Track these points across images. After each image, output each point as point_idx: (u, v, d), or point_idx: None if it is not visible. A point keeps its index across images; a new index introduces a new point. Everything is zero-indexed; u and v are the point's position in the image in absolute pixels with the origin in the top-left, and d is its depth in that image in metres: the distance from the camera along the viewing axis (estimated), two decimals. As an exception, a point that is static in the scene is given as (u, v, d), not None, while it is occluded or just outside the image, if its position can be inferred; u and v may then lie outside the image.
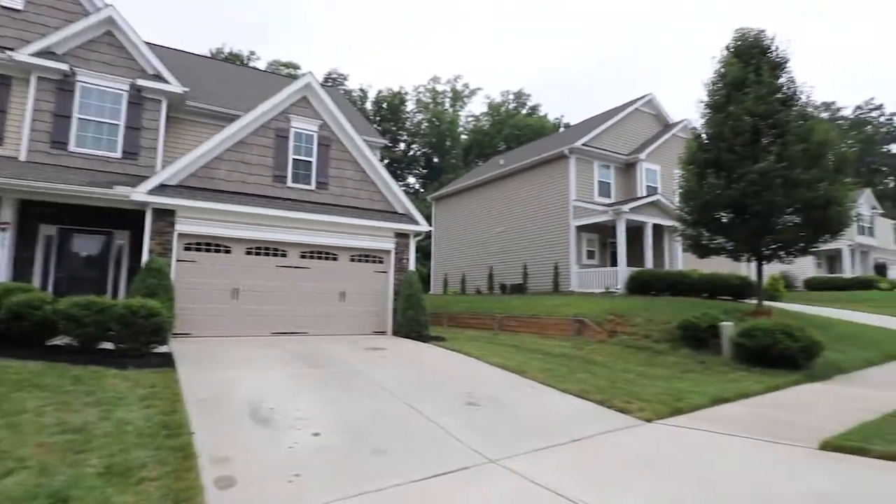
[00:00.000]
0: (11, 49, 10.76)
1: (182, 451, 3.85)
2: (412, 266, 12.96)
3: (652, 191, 20.67)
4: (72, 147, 11.16)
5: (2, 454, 3.46)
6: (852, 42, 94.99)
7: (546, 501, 3.47)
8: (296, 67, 49.16)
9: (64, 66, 11.05)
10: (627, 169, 21.59)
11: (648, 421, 5.55)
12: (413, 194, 52.15)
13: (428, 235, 26.82)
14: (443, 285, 26.82)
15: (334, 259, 11.94)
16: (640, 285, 15.97)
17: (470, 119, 62.29)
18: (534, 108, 62.50)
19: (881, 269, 34.15)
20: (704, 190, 12.17)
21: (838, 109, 67.15)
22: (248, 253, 10.91)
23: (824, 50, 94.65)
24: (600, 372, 8.19)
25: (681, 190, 13.35)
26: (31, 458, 3.43)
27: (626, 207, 17.99)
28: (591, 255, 20.71)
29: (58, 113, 11.08)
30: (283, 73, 42.15)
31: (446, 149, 56.38)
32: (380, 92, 57.01)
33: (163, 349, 7.59)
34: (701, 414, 5.91)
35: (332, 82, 52.52)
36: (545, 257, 20.62)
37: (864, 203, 33.48)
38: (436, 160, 56.77)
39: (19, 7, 11.43)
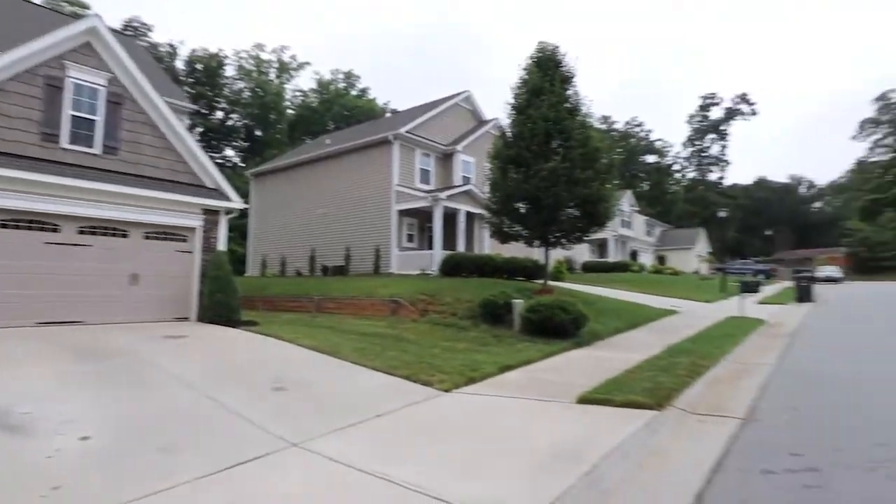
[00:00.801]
0: None
1: None
2: (223, 246, 11.91)
3: (467, 181, 22.18)
4: None
5: None
6: (624, 66, 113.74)
7: (338, 475, 3.55)
8: (84, 7, 40.69)
9: None
10: (446, 159, 22.78)
11: (447, 391, 6.03)
12: (231, 168, 47.75)
13: (244, 213, 24.87)
14: (261, 267, 25.16)
15: (124, 236, 10.35)
16: (453, 267, 17.10)
17: (297, 94, 59.06)
18: (364, 91, 61.83)
19: (635, 255, 42.07)
20: (507, 183, 13.51)
21: (613, 123, 79.84)
22: (4, 226, 8.84)
23: (606, 71, 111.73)
24: (410, 349, 8.60)
25: (489, 182, 14.60)
26: None
27: (443, 195, 19.01)
28: (410, 238, 21.49)
29: None
30: (67, 10, 34.55)
31: (271, 122, 52.68)
32: (193, 51, 50.50)
33: None
34: (491, 381, 6.61)
35: (133, 31, 44.85)
36: (368, 240, 20.75)
37: (626, 202, 40.70)
38: (259, 133, 52.66)
39: None
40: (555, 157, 12.93)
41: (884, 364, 8.04)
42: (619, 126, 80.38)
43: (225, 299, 10.78)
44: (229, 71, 52.79)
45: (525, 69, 14.46)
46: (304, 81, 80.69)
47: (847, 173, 75.70)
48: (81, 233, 9.75)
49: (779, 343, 9.99)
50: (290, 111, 56.97)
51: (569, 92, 14.15)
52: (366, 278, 17.80)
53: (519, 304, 10.36)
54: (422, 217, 21.20)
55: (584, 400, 5.54)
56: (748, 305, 15.57)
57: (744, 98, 72.79)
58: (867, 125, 70.46)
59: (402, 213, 20.39)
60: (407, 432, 4.61)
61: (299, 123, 55.09)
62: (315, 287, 16.19)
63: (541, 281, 15.54)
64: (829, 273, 41.08)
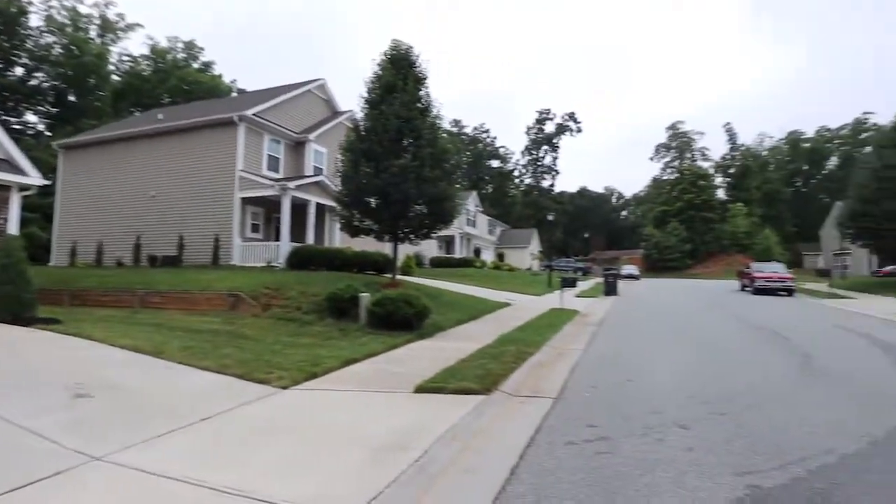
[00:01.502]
0: None
1: None
2: (15, 229, 9.84)
3: (319, 171, 21.42)
4: None
5: None
6: (478, 74, 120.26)
7: (148, 488, 3.17)
8: None
9: None
10: (297, 147, 21.71)
11: (285, 388, 5.76)
12: (33, 137, 39.68)
13: (49, 191, 20.89)
14: (70, 255, 21.22)
15: None
16: (301, 260, 16.40)
17: (125, 59, 51.15)
18: (207, 65, 55.89)
19: (478, 252, 44.89)
20: (359, 177, 13.36)
21: (463, 127, 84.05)
22: None
23: (462, 77, 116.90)
24: (248, 346, 8.05)
25: (340, 174, 14.29)
26: None
27: (292, 184, 18.10)
28: (255, 228, 20.10)
29: None
30: None
31: (89, 87, 44.74)
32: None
33: None
34: (333, 375, 6.49)
35: None
36: (206, 228, 18.84)
37: (472, 202, 43.19)
38: (72, 98, 44.41)
39: None
40: (405, 154, 13.15)
41: (665, 345, 9.73)
42: (468, 131, 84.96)
43: (15, 292, 8.91)
44: (35, 21, 43.58)
45: (379, 65, 14.43)
46: (134, 46, 70.30)
47: (645, 188, 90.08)
48: None
49: (588, 331, 11.48)
50: (115, 77, 49.12)
51: (421, 92, 14.47)
52: (202, 270, 16.16)
53: (365, 297, 10.34)
54: (269, 207, 19.93)
55: (421, 389, 5.74)
56: (567, 299, 17.59)
57: (572, 117, 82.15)
58: (660, 149, 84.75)
59: (247, 201, 18.94)
60: (235, 434, 4.29)
61: (127, 93, 47.82)
62: (139, 279, 14.23)
63: (390, 275, 15.70)
64: (629, 271, 48.39)
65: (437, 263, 33.19)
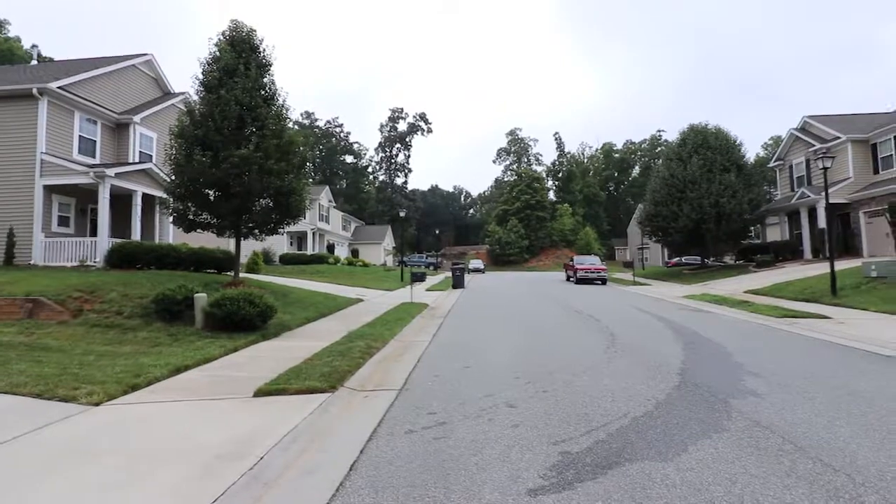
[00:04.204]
0: None
1: None
2: None
3: (146, 158, 18.83)
4: None
5: None
6: (332, 66, 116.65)
7: None
8: None
9: None
10: (119, 129, 18.79)
11: (97, 405, 4.99)
12: None
13: None
14: None
15: None
16: (125, 258, 14.28)
17: None
18: (0, 24, 45.29)
19: (332, 248, 43.76)
20: (193, 166, 12.04)
21: (316, 119, 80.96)
22: None
23: (314, 68, 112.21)
24: (51, 358, 6.80)
25: (171, 162, 12.71)
26: None
27: (112, 171, 15.63)
28: (64, 221, 16.96)
29: None
30: None
31: None
32: None
33: None
34: (160, 385, 5.79)
35: None
36: (-4, 220, 15.33)
37: (325, 197, 41.88)
38: None
39: None
40: (248, 144, 12.19)
41: (501, 332, 10.55)
42: (321, 124, 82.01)
43: None
44: None
45: (217, 46, 13.13)
46: None
47: (489, 188, 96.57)
48: None
49: (435, 323, 11.96)
50: None
51: (265, 79, 13.52)
52: (-12, 271, 13.13)
53: (202, 298, 9.39)
54: (83, 196, 16.94)
55: (262, 392, 5.43)
56: (418, 293, 18.10)
57: (423, 117, 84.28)
58: (501, 152, 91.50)
59: (53, 189, 15.87)
60: (29, 463, 3.60)
61: None
62: None
63: (232, 273, 14.48)
64: (475, 265, 51.54)
65: (288, 260, 31.54)
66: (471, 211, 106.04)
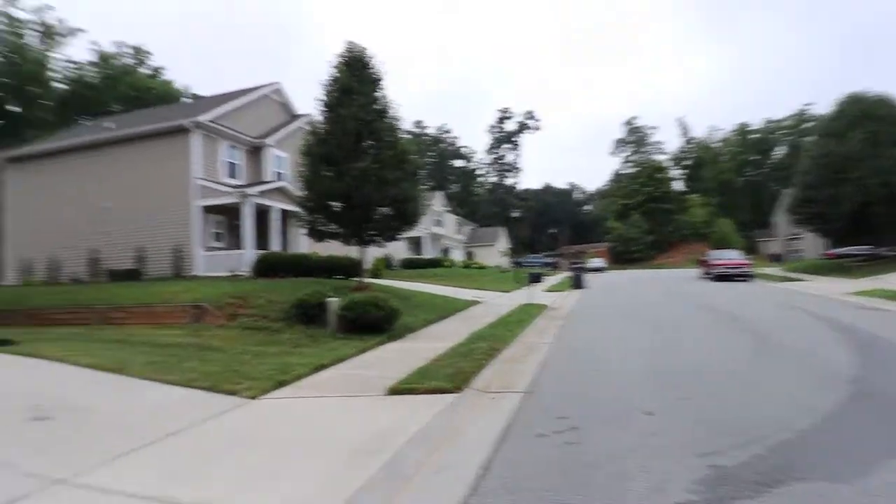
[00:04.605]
0: None
1: None
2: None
3: (279, 176, 21.07)
4: None
5: None
6: (438, 75, 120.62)
7: (119, 510, 3.10)
8: None
9: None
10: (256, 152, 21.28)
11: (254, 398, 5.67)
12: (-30, 150, 37.35)
13: (-7, 207, 19.79)
14: (21, 273, 20.14)
15: None
16: (267, 267, 16.11)
17: (70, 65, 48.80)
18: (158, 70, 54.02)
19: (447, 251, 45.02)
20: (320, 181, 13.23)
21: (425, 128, 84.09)
22: None
23: (422, 78, 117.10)
24: (215, 357, 7.87)
25: (302, 179, 14.11)
26: None
27: (253, 191, 17.75)
28: (218, 237, 19.61)
29: None
30: None
31: (30, 96, 42.54)
32: None
33: None
34: (304, 382, 6.42)
35: None
36: (165, 239, 18.23)
37: (438, 202, 43.30)
38: (15, 109, 42.15)
39: None
40: (366, 157, 13.08)
41: (630, 333, 10.02)
42: (430, 131, 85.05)
43: (-42, 316, 8.43)
44: (-34, 28, 41.16)
45: (335, 67, 14.30)
46: (78, 52, 67.26)
47: (607, 182, 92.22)
48: None
49: (557, 324, 11.72)
50: (59, 85, 46.86)
51: (378, 94, 14.41)
52: (164, 283, 15.65)
53: (334, 302, 10.24)
54: (230, 214, 19.46)
55: (393, 391, 5.75)
56: (536, 294, 17.88)
57: (531, 115, 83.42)
58: (619, 144, 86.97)
59: (207, 209, 18.44)
60: (204, 448, 4.21)
61: (74, 101, 45.62)
62: (98, 295, 13.68)
63: (358, 279, 15.59)
64: (595, 264, 49.50)
65: (406, 265, 33.12)
66: (587, 207, 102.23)
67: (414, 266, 32.45)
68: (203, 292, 12.67)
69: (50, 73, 45.58)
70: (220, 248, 19.00)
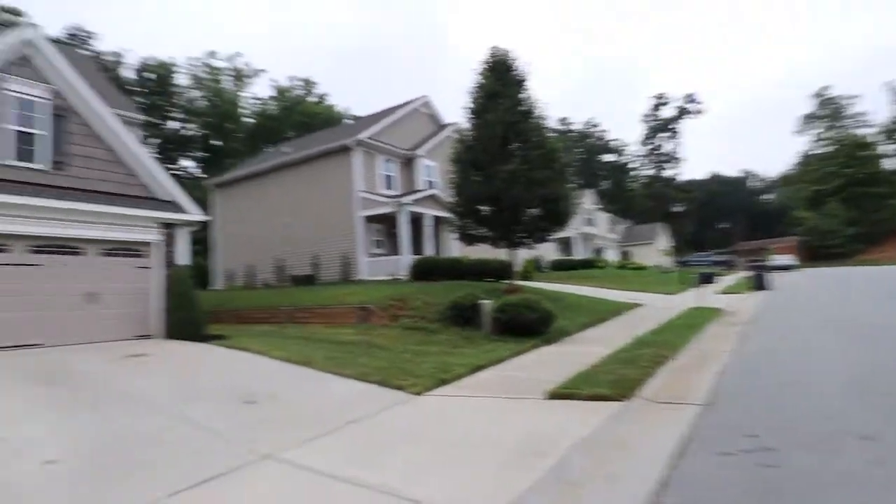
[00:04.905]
0: None
1: None
2: (186, 260, 11.61)
3: (430, 185, 22.28)
4: None
5: None
6: (580, 68, 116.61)
7: (311, 482, 3.57)
8: (17, 14, 38.79)
9: None
10: (408, 163, 22.82)
11: (419, 394, 6.07)
12: (191, 179, 46.43)
13: (206, 225, 24.27)
14: (228, 280, 24.58)
15: (78, 254, 9.98)
16: (423, 271, 17.15)
17: (255, 102, 57.94)
18: (322, 97, 61.23)
19: (600, 251, 43.08)
20: (469, 186, 13.70)
21: (571, 124, 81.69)
22: (-54, 249, 8.41)
23: (563, 73, 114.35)
24: (382, 355, 8.60)
25: (452, 185, 14.76)
26: None
27: (407, 199, 19.05)
28: (378, 244, 21.42)
29: None
30: (3, 19, 32.88)
31: (228, 131, 51.47)
32: (144, 60, 48.95)
33: None
34: (462, 382, 6.69)
35: (75, 41, 43.11)
36: (334, 247, 20.56)
37: (588, 200, 41.66)
38: (217, 143, 51.39)
39: None
40: (513, 159, 13.18)
41: (831, 344, 8.52)
42: (577, 127, 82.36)
43: (188, 315, 10.51)
44: (183, 80, 51.41)
45: (480, 74, 14.69)
46: (261, 89, 79.37)
47: (794, 166, 79.46)
48: (33, 252, 9.34)
49: (736, 330, 10.45)
50: (248, 119, 55.87)
51: (523, 95, 14.44)
52: (334, 286, 17.64)
53: (487, 304, 10.50)
54: (388, 223, 21.17)
55: (553, 395, 5.69)
56: (707, 296, 16.19)
57: (691, 98, 75.71)
58: (808, 120, 74.39)
59: (368, 219, 20.31)
60: (379, 437, 4.63)
61: (259, 132, 54.03)
62: (283, 298, 15.94)
63: (508, 281, 15.76)
64: (782, 261, 43.04)
65: (556, 266, 32.52)
66: (766, 197, 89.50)
67: (564, 268, 31.69)
68: (367, 295, 13.96)
69: (240, 110, 54.58)
70: (380, 255, 20.77)
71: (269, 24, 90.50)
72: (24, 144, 9.75)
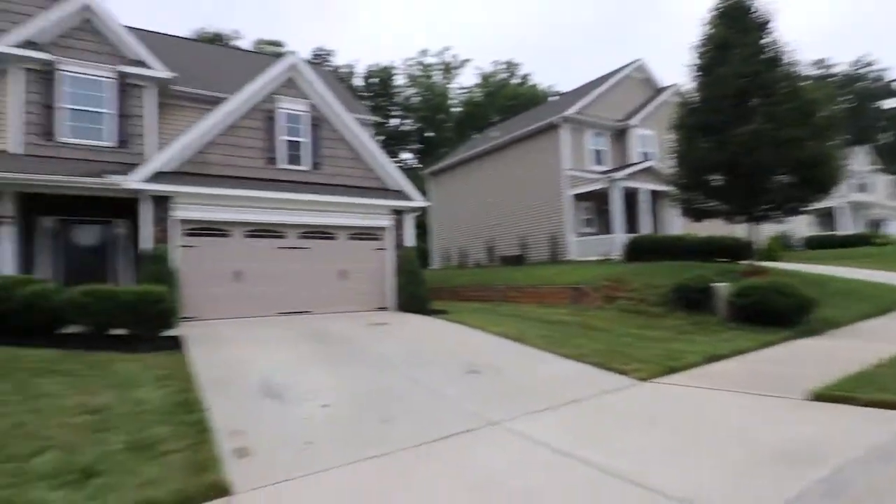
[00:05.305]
0: (-8, 40, 10.60)
1: (198, 426, 4.06)
2: (411, 242, 13.10)
3: (646, 157, 20.69)
4: (62, 138, 11.13)
5: (29, 435, 3.66)
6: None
7: (540, 454, 3.71)
8: (280, 45, 48.26)
9: (45, 56, 10.93)
10: (620, 135, 21.55)
11: (644, 380, 5.78)
12: (409, 170, 51.93)
13: (423, 211, 26.93)
14: (443, 260, 27.08)
15: (332, 238, 12.08)
16: (638, 250, 16.13)
17: (462, 91, 61.55)
18: (525, 77, 61.74)
19: (877, 224, 34.37)
20: (695, 154, 12.25)
21: (831, 66, 66.47)
22: (248, 236, 11.04)
23: (816, 8, 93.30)
24: (598, 336, 8.42)
25: (673, 155, 13.42)
26: (56, 438, 3.63)
27: (620, 175, 18.04)
28: (588, 222, 20.86)
29: (45, 104, 11.01)
30: (268, 51, 41.43)
31: (439, 122, 55.92)
32: (369, 67, 56.25)
33: (171, 332, 7.79)
34: (695, 372, 6.14)
35: (319, 59, 51.70)
36: (542, 227, 20.75)
37: (859, 160, 33.52)
38: (430, 134, 56.38)
39: (-3, -5, 11.24)
40: (755, 117, 11.28)
41: None
42: (840, 69, 66.41)
43: (416, 290, 11.87)
44: (400, 80, 57.40)
45: (708, 23, 12.88)
46: (466, 78, 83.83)
47: None
48: (301, 237, 11.67)
49: None
50: (456, 109, 59.64)
51: (765, 40, 12.19)
52: (543, 266, 17.83)
53: (722, 287, 9.35)
54: (598, 200, 20.40)
55: (818, 396, 4.82)
56: None
57: None
58: None
59: (577, 197, 19.88)
60: (603, 420, 4.56)
61: (466, 119, 57.27)
62: (494, 277, 16.77)
63: (746, 261, 13.75)
64: None
65: (813, 244, 27.18)
66: None
67: (824, 245, 26.28)
68: (578, 275, 13.74)
69: (449, 101, 58.53)
70: (590, 234, 20.19)
71: (473, 9, 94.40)
72: (292, 151, 12.13)
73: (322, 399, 5.01)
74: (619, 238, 17.50)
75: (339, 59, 56.03)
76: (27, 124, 10.84)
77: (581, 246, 19.20)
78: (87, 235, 11.68)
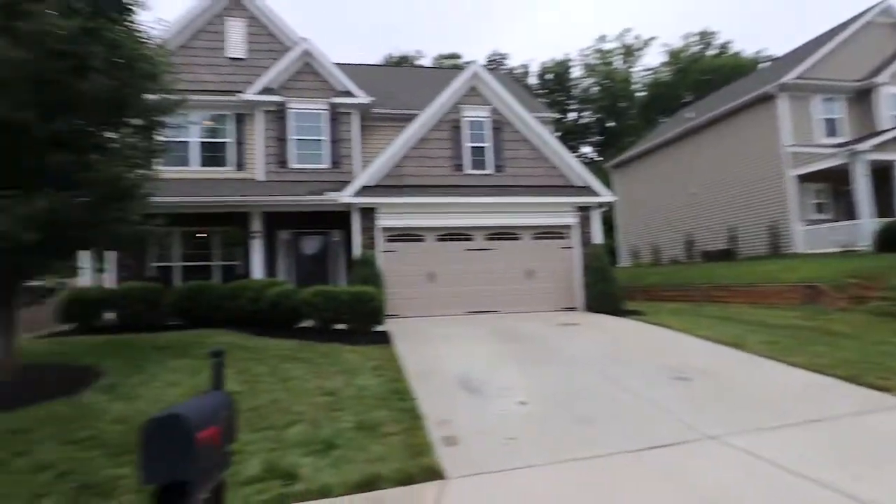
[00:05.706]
0: (241, 91, 13.27)
1: (410, 413, 4.48)
2: (598, 239, 12.62)
3: (902, 119, 16.65)
4: (292, 164, 13.38)
5: (283, 410, 4.46)
6: None
7: (783, 480, 3.20)
8: (457, 57, 50.88)
9: (279, 98, 13.28)
10: (861, 98, 17.69)
11: (915, 400, 4.64)
12: (590, 164, 50.24)
13: (610, 207, 25.70)
14: (631, 257, 25.48)
15: (517, 238, 12.27)
16: (894, 240, 13.06)
17: (646, 73, 57.27)
18: (724, 47, 54.76)
19: None
20: None
21: None
22: (439, 239, 11.86)
23: None
24: (844, 344, 7.02)
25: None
26: (304, 413, 4.36)
27: (864, 146, 14.81)
28: (820, 207, 17.59)
29: (279, 137, 13.37)
30: (448, 65, 44.11)
31: (621, 110, 52.91)
32: (543, 64, 55.99)
33: (380, 328, 8.77)
34: None
35: (494, 64, 53.14)
36: (756, 216, 18.10)
37: None
38: (611, 124, 53.74)
39: (243, 56, 14.00)
40: None
41: None
42: None
43: (606, 289, 11.38)
44: (575, 72, 55.77)
45: None
46: (651, 59, 77.69)
47: None
48: (487, 239, 12.11)
49: None
50: (640, 94, 55.70)
51: None
52: (759, 262, 15.54)
53: None
54: (834, 179, 16.99)
55: None
56: None
57: None
58: None
59: (803, 178, 16.87)
60: (859, 444, 3.77)
61: (652, 104, 53.05)
62: (696, 274, 15.19)
63: None
64: None
65: None
66: None
67: None
68: (809, 271, 11.66)
69: (632, 86, 54.85)
70: (822, 221, 16.95)
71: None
72: (476, 156, 12.66)
73: (518, 396, 5.10)
74: (866, 225, 14.38)
75: (513, 61, 56.88)
76: (267, 156, 13.29)
77: (811, 236, 16.27)
78: (311, 244, 13.80)
